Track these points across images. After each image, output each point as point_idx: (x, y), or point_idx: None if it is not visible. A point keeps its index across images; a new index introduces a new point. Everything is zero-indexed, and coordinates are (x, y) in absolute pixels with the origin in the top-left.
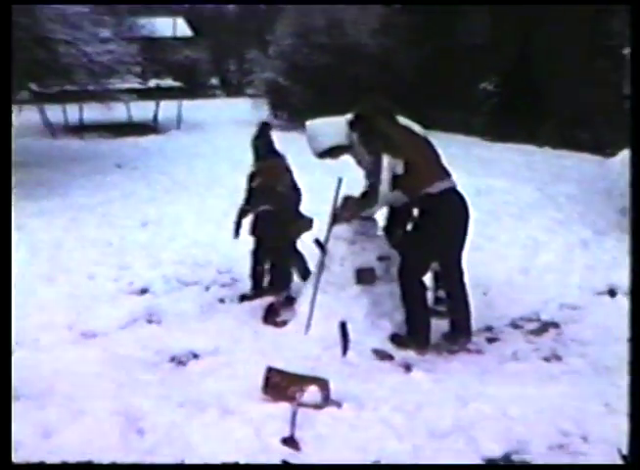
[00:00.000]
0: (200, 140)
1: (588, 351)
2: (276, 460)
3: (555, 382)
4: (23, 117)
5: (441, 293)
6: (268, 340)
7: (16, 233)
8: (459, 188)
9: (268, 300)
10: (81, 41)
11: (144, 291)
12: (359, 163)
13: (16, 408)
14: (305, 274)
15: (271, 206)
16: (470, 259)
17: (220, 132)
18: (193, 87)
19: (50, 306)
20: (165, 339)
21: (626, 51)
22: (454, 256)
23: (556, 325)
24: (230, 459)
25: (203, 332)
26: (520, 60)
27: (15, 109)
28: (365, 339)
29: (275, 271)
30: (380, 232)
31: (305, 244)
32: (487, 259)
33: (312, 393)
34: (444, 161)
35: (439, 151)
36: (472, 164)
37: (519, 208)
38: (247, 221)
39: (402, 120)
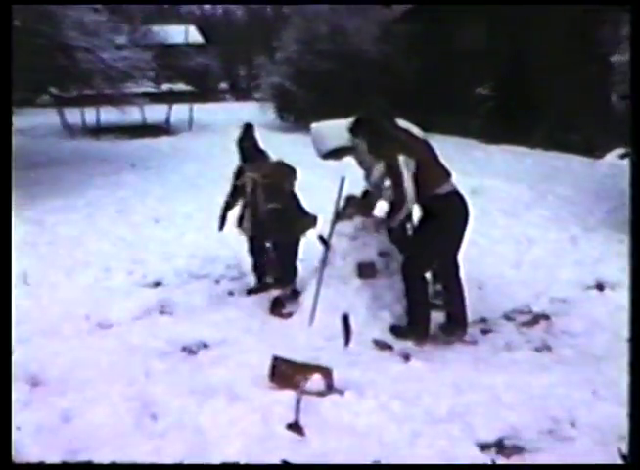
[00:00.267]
0: (210, 141)
1: (577, 341)
2: (281, 444)
3: (545, 371)
4: (43, 118)
5: (438, 287)
6: (274, 331)
7: (36, 229)
8: (460, 189)
9: (274, 293)
10: (99, 48)
11: (157, 284)
12: (361, 163)
13: (36, 394)
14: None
15: (278, 203)
16: (465, 255)
17: (229, 134)
18: (204, 91)
19: (69, 298)
20: (177, 329)
21: (614, 58)
22: (453, 253)
23: (546, 317)
24: (237, 443)
25: (212, 323)
26: (514, 66)
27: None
28: (366, 330)
29: (281, 266)
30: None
31: (310, 240)
32: (482, 255)
33: (316, 381)
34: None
35: (438, 152)
36: (467, 165)
37: (512, 206)
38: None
39: (402, 123)
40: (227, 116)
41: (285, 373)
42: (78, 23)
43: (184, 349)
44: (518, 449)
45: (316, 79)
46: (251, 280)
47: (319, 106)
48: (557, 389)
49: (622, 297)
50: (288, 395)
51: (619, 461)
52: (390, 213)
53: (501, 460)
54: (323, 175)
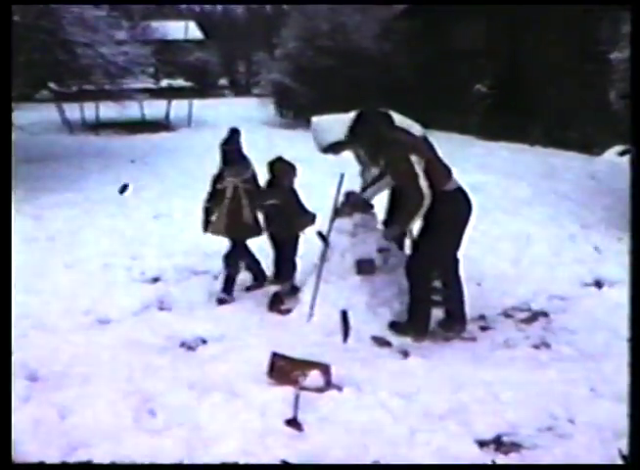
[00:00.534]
0: (209, 137)
1: (575, 339)
2: (280, 440)
3: (544, 368)
4: (43, 114)
5: (437, 283)
6: (273, 327)
7: (35, 224)
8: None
9: (273, 289)
10: (98, 43)
11: (156, 279)
12: (359, 158)
13: (34, 389)
14: (257, 275)
15: (277, 200)
16: (464, 252)
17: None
18: (203, 87)
19: (67, 294)
20: (176, 325)
21: (613, 55)
22: (454, 250)
23: (545, 315)
24: (236, 439)
25: (211, 319)
26: (512, 63)
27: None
28: (365, 326)
29: (280, 262)
30: (379, 225)
31: (309, 236)
32: (480, 252)
33: (314, 377)
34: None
35: (437, 149)
36: (466, 162)
37: (510, 203)
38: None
39: (403, 120)
40: (227, 111)
41: (283, 369)
42: (78, 19)
43: (183, 344)
44: (516, 446)
45: (316, 76)
46: (250, 276)
47: (318, 102)
48: (555, 386)
49: (621, 294)
50: (286, 391)
51: (618, 460)
52: (403, 214)
53: (499, 457)
54: (322, 172)
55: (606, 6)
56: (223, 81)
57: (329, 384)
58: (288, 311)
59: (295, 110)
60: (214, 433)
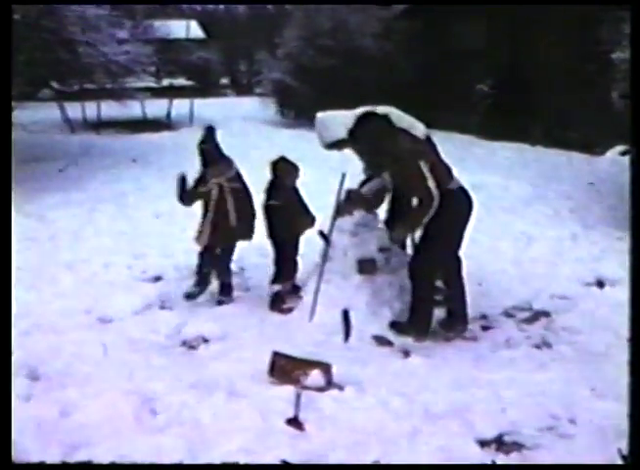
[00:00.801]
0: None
1: (577, 339)
2: (281, 439)
3: (545, 368)
4: (44, 113)
5: (439, 283)
6: (274, 326)
7: (37, 223)
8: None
9: (275, 288)
10: (100, 42)
11: (157, 279)
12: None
13: (36, 388)
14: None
15: (278, 201)
16: (465, 251)
17: (230, 129)
18: (205, 86)
19: (69, 293)
20: (177, 324)
21: (614, 55)
22: (456, 249)
23: (547, 314)
24: (237, 438)
25: (212, 318)
26: (513, 63)
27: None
28: (366, 326)
29: (281, 262)
30: (380, 225)
31: (310, 236)
32: (482, 252)
33: (316, 376)
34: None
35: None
36: (468, 161)
37: (512, 203)
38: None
39: (407, 119)
40: (228, 111)
41: (285, 368)
42: (80, 18)
43: (184, 343)
44: (517, 446)
45: (317, 75)
46: (253, 275)
47: (320, 102)
48: (556, 386)
49: (622, 294)
50: (287, 390)
51: (619, 461)
52: (412, 216)
53: (500, 457)
54: (324, 171)
55: (607, 6)
56: (225, 80)
57: (330, 383)
58: (289, 311)
59: (296, 109)
60: (215, 432)
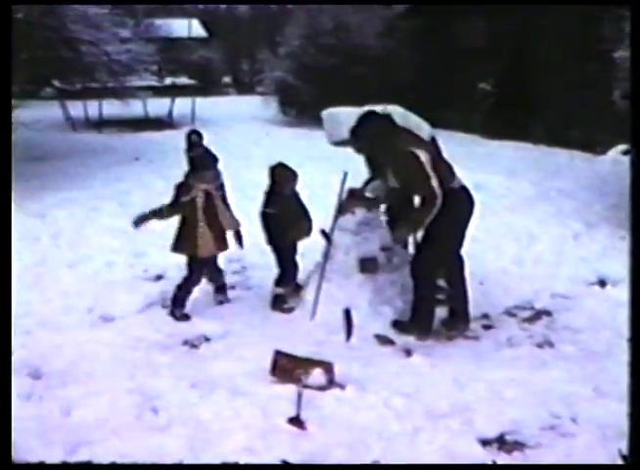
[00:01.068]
0: (212, 135)
1: (578, 338)
2: (282, 438)
3: (547, 367)
4: (46, 111)
5: (441, 281)
6: (276, 325)
7: (39, 222)
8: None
9: (278, 291)
10: (102, 41)
11: (159, 277)
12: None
13: (38, 386)
14: (218, 285)
15: (274, 209)
16: (467, 250)
17: (232, 127)
18: (206, 85)
19: (71, 291)
20: (179, 323)
21: (617, 54)
22: (457, 248)
23: (548, 313)
24: (239, 437)
25: (214, 317)
26: (516, 62)
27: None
28: (368, 325)
29: (283, 265)
30: (382, 224)
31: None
32: (483, 250)
33: (317, 375)
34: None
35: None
36: (470, 160)
37: (514, 201)
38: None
39: (415, 119)
40: (230, 109)
41: (286, 367)
42: (82, 17)
43: (186, 342)
44: (519, 445)
45: (319, 74)
46: (254, 274)
47: (321, 100)
48: (558, 385)
49: (624, 293)
50: (289, 389)
51: (620, 460)
52: (416, 215)
53: (502, 456)
54: (326, 169)
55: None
56: (226, 79)
57: (332, 382)
58: (291, 310)
59: (298, 108)
60: (217, 431)
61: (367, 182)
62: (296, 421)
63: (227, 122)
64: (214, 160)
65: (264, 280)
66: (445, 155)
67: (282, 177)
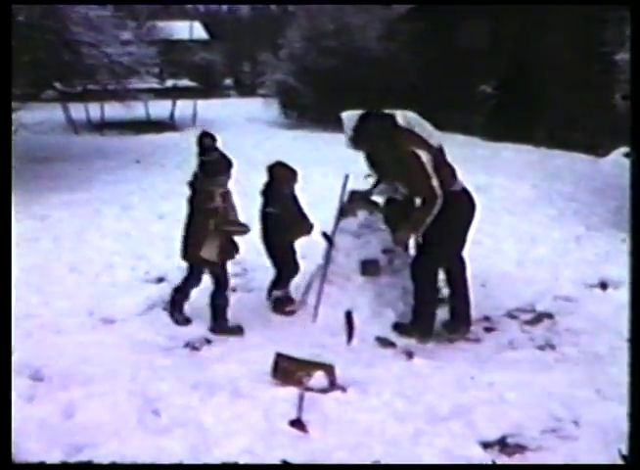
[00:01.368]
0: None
1: (580, 340)
2: (284, 441)
3: (549, 369)
4: (48, 114)
5: (442, 283)
6: (277, 327)
7: (40, 224)
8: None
9: (276, 294)
10: (103, 43)
11: (160, 280)
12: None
13: (39, 389)
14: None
15: (275, 208)
16: (469, 253)
17: (233, 130)
18: (208, 87)
19: (72, 294)
20: (180, 325)
21: (618, 57)
22: (459, 250)
23: (550, 316)
24: (240, 439)
25: None
26: (517, 64)
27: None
28: (369, 327)
29: (280, 267)
30: (384, 226)
31: (313, 237)
32: (485, 253)
33: (319, 378)
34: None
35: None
36: (471, 163)
37: (515, 204)
38: None
39: (428, 127)
40: (231, 112)
41: (288, 370)
42: (83, 19)
43: (187, 345)
44: (520, 448)
45: (320, 76)
46: (255, 276)
47: (323, 103)
48: (560, 387)
49: (626, 296)
50: (290, 391)
51: (620, 460)
52: (416, 216)
53: (504, 459)
54: (327, 172)
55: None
56: (228, 81)
57: (333, 385)
58: (292, 313)
59: (299, 110)
60: (218, 433)
61: (375, 185)
62: (297, 423)
63: (228, 125)
64: (230, 164)
65: (265, 282)
66: (448, 158)
67: (281, 176)
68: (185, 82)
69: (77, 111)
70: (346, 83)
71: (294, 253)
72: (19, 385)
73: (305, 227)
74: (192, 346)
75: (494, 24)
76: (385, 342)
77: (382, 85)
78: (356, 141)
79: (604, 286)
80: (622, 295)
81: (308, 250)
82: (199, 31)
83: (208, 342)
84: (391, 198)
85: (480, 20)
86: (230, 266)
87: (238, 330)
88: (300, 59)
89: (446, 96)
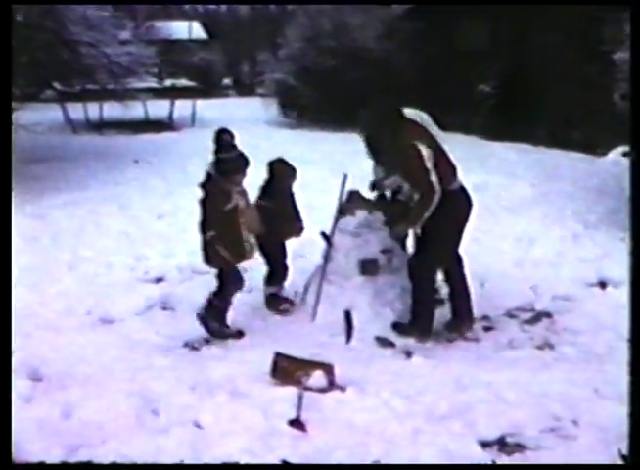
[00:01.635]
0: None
1: (579, 339)
2: (283, 440)
3: (547, 369)
4: (46, 114)
5: (440, 282)
6: (276, 327)
7: (39, 223)
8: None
9: (270, 290)
10: (102, 43)
11: (159, 280)
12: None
13: (38, 389)
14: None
15: (269, 202)
16: (467, 252)
17: (232, 129)
18: (207, 87)
19: (71, 293)
20: (179, 325)
21: (617, 56)
22: (455, 249)
23: (549, 315)
24: (239, 439)
25: None
26: (516, 63)
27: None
28: (368, 327)
29: (272, 265)
30: (382, 226)
31: (312, 236)
32: (484, 252)
33: (318, 377)
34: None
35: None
36: (470, 162)
37: (514, 203)
38: None
39: (436, 129)
40: (230, 111)
41: (286, 369)
42: (82, 19)
43: (186, 344)
44: (520, 447)
45: (319, 76)
46: (255, 276)
47: (322, 102)
48: (559, 387)
49: (625, 295)
50: (289, 391)
51: (620, 461)
52: (413, 211)
53: (503, 458)
54: (325, 172)
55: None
56: (227, 81)
57: (332, 384)
58: (286, 311)
59: (298, 110)
60: (217, 433)
61: (384, 177)
62: (296, 423)
63: (227, 124)
64: (247, 163)
65: None
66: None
67: (280, 172)
68: (184, 82)
69: (76, 111)
70: (345, 83)
71: (284, 253)
72: (17, 385)
73: (295, 228)
74: (191, 345)
75: (493, 24)
76: (384, 341)
77: (381, 85)
78: (360, 123)
79: (603, 285)
80: (621, 294)
81: (307, 249)
82: (197, 31)
83: (207, 341)
84: (393, 195)
85: (479, 19)
86: None
87: (238, 334)
88: (300, 58)
89: (445, 95)
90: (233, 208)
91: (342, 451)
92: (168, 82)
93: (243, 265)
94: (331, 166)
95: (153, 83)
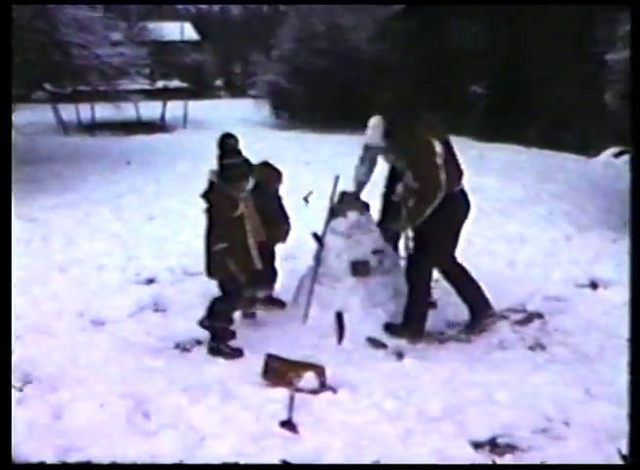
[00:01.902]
0: (205, 138)
1: (570, 340)
2: (275, 442)
3: (539, 370)
4: (38, 115)
5: (435, 284)
6: (268, 328)
7: (30, 225)
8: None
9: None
10: (94, 44)
11: (150, 281)
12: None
13: (28, 391)
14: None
15: (256, 201)
16: (460, 253)
17: (224, 131)
18: (199, 88)
19: (62, 295)
20: (170, 327)
21: (609, 57)
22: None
23: (540, 316)
24: (231, 441)
25: None
26: (509, 64)
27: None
28: (360, 328)
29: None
30: (374, 227)
31: (304, 238)
32: (476, 253)
33: (309, 378)
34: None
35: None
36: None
37: (506, 204)
38: None
39: (431, 120)
40: (222, 113)
41: (278, 371)
42: (73, 20)
43: (177, 346)
44: (511, 448)
45: (311, 77)
46: None
47: (314, 103)
48: (550, 387)
49: (616, 295)
50: (281, 392)
51: (614, 460)
52: (414, 207)
53: (494, 459)
54: (317, 173)
55: (602, 6)
56: (219, 82)
57: (324, 385)
58: (253, 316)
59: (290, 111)
60: (209, 435)
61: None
62: (288, 425)
63: (219, 126)
64: (252, 169)
65: None
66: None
67: (267, 176)
68: (176, 83)
69: (68, 112)
70: (338, 84)
71: (273, 256)
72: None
73: (281, 231)
74: (182, 347)
75: (486, 25)
76: (375, 342)
77: (373, 86)
78: (381, 104)
79: (594, 286)
80: (613, 294)
81: (299, 251)
82: (189, 32)
83: (199, 343)
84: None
85: (472, 20)
86: None
87: (237, 353)
88: (292, 59)
89: (438, 96)
90: (240, 215)
91: (334, 453)
92: (160, 83)
93: None
94: (323, 168)
95: (145, 84)
